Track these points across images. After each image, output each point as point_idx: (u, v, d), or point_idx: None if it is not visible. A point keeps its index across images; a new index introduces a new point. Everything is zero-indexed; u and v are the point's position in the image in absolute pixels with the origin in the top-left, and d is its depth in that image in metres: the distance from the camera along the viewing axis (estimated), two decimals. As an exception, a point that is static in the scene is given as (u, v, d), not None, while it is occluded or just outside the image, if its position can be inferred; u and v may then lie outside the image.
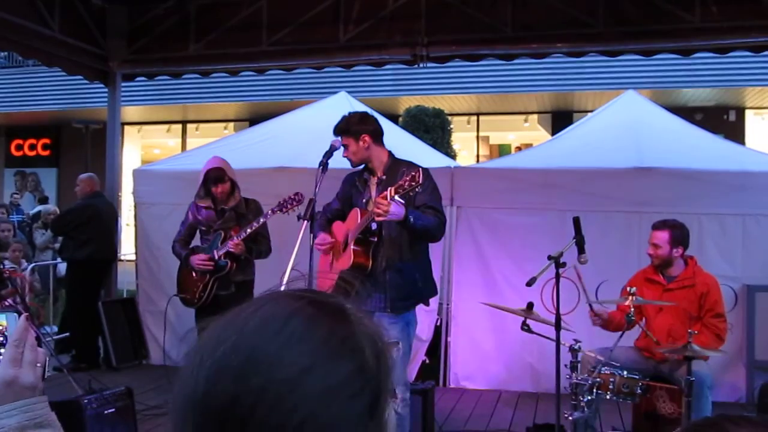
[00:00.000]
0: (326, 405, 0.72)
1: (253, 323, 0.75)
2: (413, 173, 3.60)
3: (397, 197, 3.66)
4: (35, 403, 0.99)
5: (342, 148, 4.19)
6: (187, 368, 0.76)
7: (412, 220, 3.80)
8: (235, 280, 5.27)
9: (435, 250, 4.72)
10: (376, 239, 4.05)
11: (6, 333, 1.32)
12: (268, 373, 0.72)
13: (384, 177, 4.10)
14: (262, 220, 5.07)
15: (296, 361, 0.72)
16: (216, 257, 5.19)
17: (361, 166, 4.28)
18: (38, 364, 1.02)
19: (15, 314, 1.26)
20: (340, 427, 0.72)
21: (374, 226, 4.01)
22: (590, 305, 4.53)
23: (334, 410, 0.72)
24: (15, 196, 14.91)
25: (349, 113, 4.32)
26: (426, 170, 4.06)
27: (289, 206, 4.78)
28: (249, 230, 5.07)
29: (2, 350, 1.22)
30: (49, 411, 1.01)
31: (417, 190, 3.65)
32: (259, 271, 5.48)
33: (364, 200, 4.18)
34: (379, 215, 3.70)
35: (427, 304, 4.50)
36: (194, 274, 5.31)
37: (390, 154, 4.22)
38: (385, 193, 3.69)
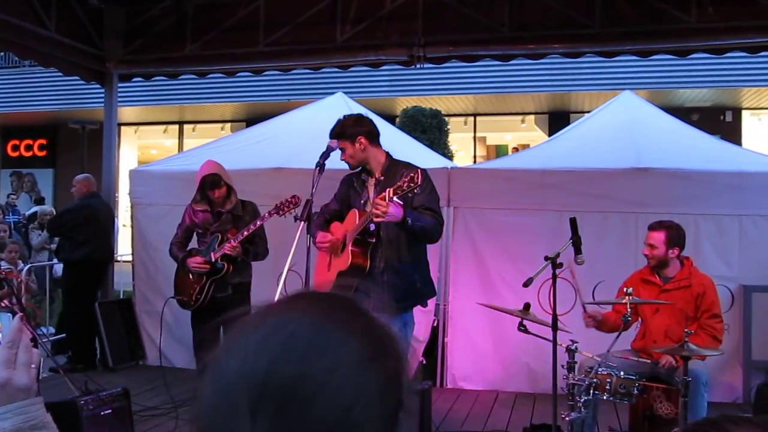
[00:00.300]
0: (384, 394, 0.75)
1: (315, 312, 0.77)
2: (412, 174, 3.60)
3: (395, 198, 3.66)
4: (30, 405, 0.98)
5: (339, 150, 4.20)
6: (237, 349, 0.75)
7: (410, 221, 3.80)
8: (232, 282, 5.27)
9: (432, 250, 4.73)
10: (374, 240, 4.05)
11: (0, 333, 1.32)
12: (335, 355, 0.73)
13: (382, 178, 4.10)
14: (258, 222, 5.08)
15: (361, 350, 0.75)
16: (213, 259, 5.19)
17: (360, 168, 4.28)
18: (32, 366, 1.01)
19: (9, 314, 1.26)
20: (384, 420, 0.75)
21: (372, 227, 4.01)
22: (584, 306, 4.53)
23: (387, 402, 0.76)
24: (11, 196, 14.88)
25: (344, 116, 4.32)
26: (425, 171, 4.06)
27: (285, 209, 4.79)
28: (246, 233, 5.08)
29: None
30: (45, 413, 1.00)
31: (416, 191, 3.65)
32: (257, 273, 5.48)
33: (362, 201, 4.18)
34: (377, 216, 3.70)
35: (425, 305, 4.49)
36: (191, 276, 5.32)
37: (388, 155, 4.22)
38: (384, 194, 3.69)
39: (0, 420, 0.94)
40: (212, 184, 5.25)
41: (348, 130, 4.15)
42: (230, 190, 5.35)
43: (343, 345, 0.74)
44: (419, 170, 3.67)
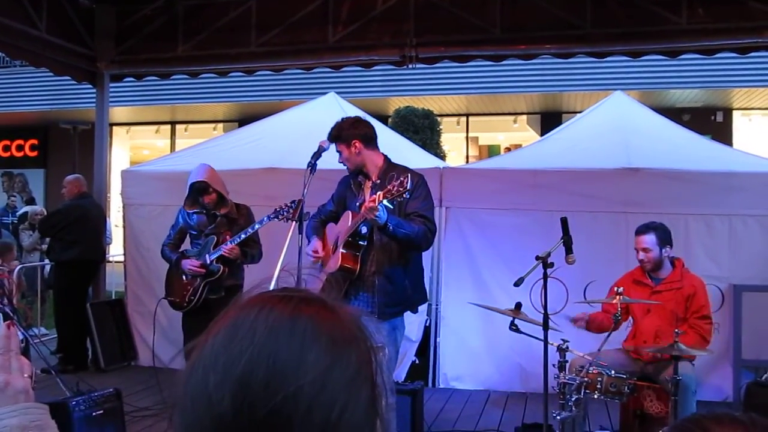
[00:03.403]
0: (354, 393, 0.74)
1: (261, 331, 0.74)
2: (402, 178, 3.59)
3: (385, 202, 3.65)
4: (34, 408, 1.00)
5: (329, 149, 4.20)
6: (200, 392, 0.73)
7: (391, 228, 3.77)
8: (226, 284, 5.25)
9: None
10: (365, 243, 4.04)
11: None
12: (296, 377, 0.72)
13: (378, 181, 4.09)
14: (257, 226, 5.04)
15: (319, 360, 0.73)
16: (208, 262, 5.17)
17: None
18: (25, 375, 1.03)
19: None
20: (365, 413, 0.75)
21: (364, 230, 4.00)
22: (569, 320, 4.53)
23: (360, 397, 0.75)
24: (12, 198, 14.82)
25: (342, 119, 4.30)
26: (421, 177, 4.06)
27: (285, 214, 4.71)
28: (243, 236, 5.05)
29: None
30: (50, 418, 1.02)
31: (405, 195, 3.64)
32: (248, 274, 5.46)
33: (357, 203, 4.16)
34: (368, 211, 3.68)
35: (415, 311, 4.47)
36: (184, 278, 5.30)
37: (386, 158, 4.21)
38: (375, 197, 3.68)
39: (8, 417, 0.96)
40: (200, 190, 5.24)
41: (343, 133, 4.13)
42: (220, 197, 5.30)
43: (301, 362, 0.73)
44: (409, 174, 3.65)
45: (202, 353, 0.76)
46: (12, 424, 0.95)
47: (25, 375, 1.03)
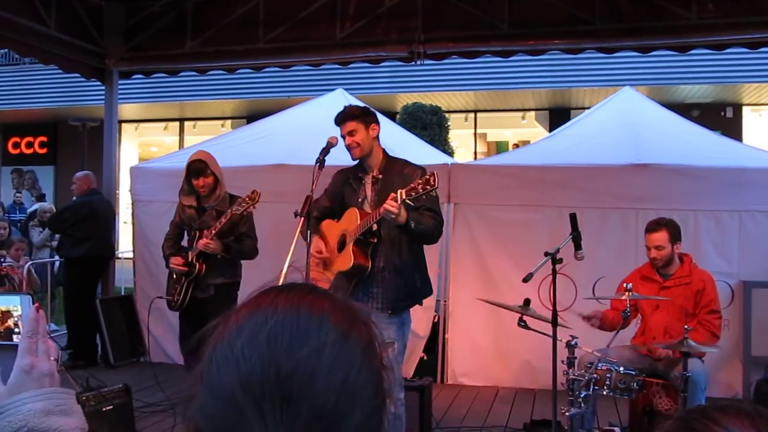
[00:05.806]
0: (367, 360, 0.79)
1: (283, 304, 0.80)
2: (428, 176, 3.54)
3: (408, 200, 3.61)
4: (60, 393, 1.01)
5: (338, 145, 4.15)
6: (227, 356, 0.78)
7: (413, 225, 3.74)
8: (213, 282, 5.06)
9: (432, 247, 4.72)
10: (375, 240, 4.02)
11: (18, 318, 1.34)
12: (318, 337, 0.77)
13: (380, 176, 4.06)
14: (223, 220, 4.85)
15: (337, 325, 0.79)
16: (190, 259, 5.05)
17: (354, 163, 4.21)
18: (51, 358, 1.04)
19: (29, 297, 1.28)
20: (376, 386, 0.79)
21: (374, 226, 3.97)
22: (582, 317, 4.53)
23: (373, 365, 0.80)
24: (17, 195, 14.91)
25: (351, 105, 4.31)
26: (432, 173, 4.04)
27: (245, 205, 4.63)
28: (214, 230, 4.90)
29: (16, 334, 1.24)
30: (75, 403, 1.02)
31: (433, 194, 3.61)
32: (256, 270, 5.42)
33: (359, 200, 4.12)
34: (390, 216, 3.62)
35: (421, 304, 4.46)
36: (174, 276, 5.20)
37: (384, 152, 4.18)
38: (395, 195, 3.64)
39: (32, 401, 0.97)
40: (198, 171, 5.01)
41: (363, 113, 4.11)
42: (218, 181, 5.11)
43: (321, 326, 0.78)
44: (435, 173, 3.60)
45: (226, 329, 0.81)
46: (36, 409, 0.96)
47: (51, 358, 1.04)
